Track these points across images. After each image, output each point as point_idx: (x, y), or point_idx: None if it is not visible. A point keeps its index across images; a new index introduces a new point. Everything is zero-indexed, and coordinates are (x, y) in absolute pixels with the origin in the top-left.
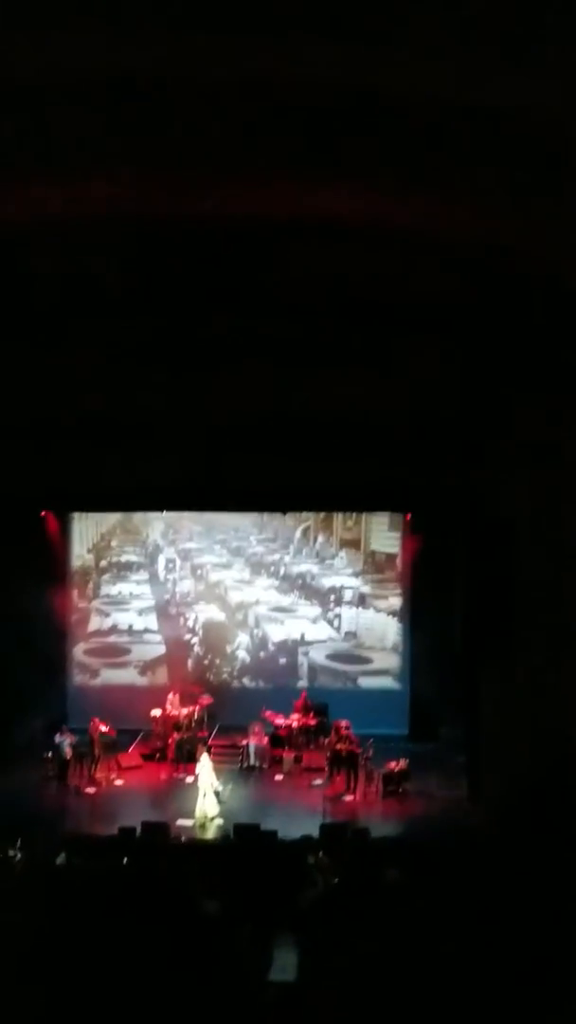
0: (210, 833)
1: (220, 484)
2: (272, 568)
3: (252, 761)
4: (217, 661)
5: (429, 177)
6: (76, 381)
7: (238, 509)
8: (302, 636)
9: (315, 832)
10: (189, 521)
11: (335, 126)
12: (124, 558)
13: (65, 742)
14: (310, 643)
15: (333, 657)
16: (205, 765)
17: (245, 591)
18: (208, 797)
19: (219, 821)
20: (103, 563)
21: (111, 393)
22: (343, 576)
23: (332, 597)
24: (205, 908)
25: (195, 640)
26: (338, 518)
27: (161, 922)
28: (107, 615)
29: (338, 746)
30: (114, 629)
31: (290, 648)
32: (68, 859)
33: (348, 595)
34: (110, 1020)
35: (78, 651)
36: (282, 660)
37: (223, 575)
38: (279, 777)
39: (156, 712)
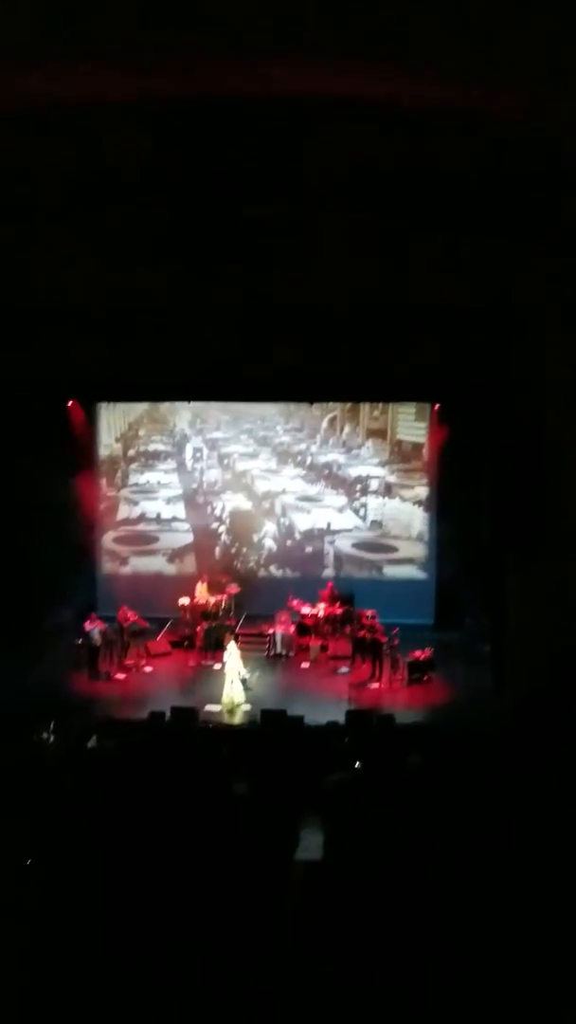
0: (238, 719)
1: (246, 374)
2: (299, 458)
3: (279, 649)
4: (244, 550)
5: (463, 58)
6: (103, 270)
7: (265, 399)
8: (328, 525)
9: (341, 718)
10: (216, 411)
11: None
12: (152, 447)
13: (95, 630)
14: (336, 532)
15: (359, 546)
16: (232, 653)
17: (272, 480)
18: (235, 684)
19: (246, 707)
20: (131, 452)
21: (138, 282)
22: (369, 466)
23: (358, 487)
24: (234, 789)
25: (222, 529)
26: (365, 408)
27: (191, 801)
28: (135, 504)
29: (363, 635)
30: (142, 518)
31: (316, 537)
32: (99, 742)
33: (374, 485)
34: (141, 894)
35: (107, 540)
36: (308, 549)
37: (250, 465)
38: (305, 665)
39: (184, 600)
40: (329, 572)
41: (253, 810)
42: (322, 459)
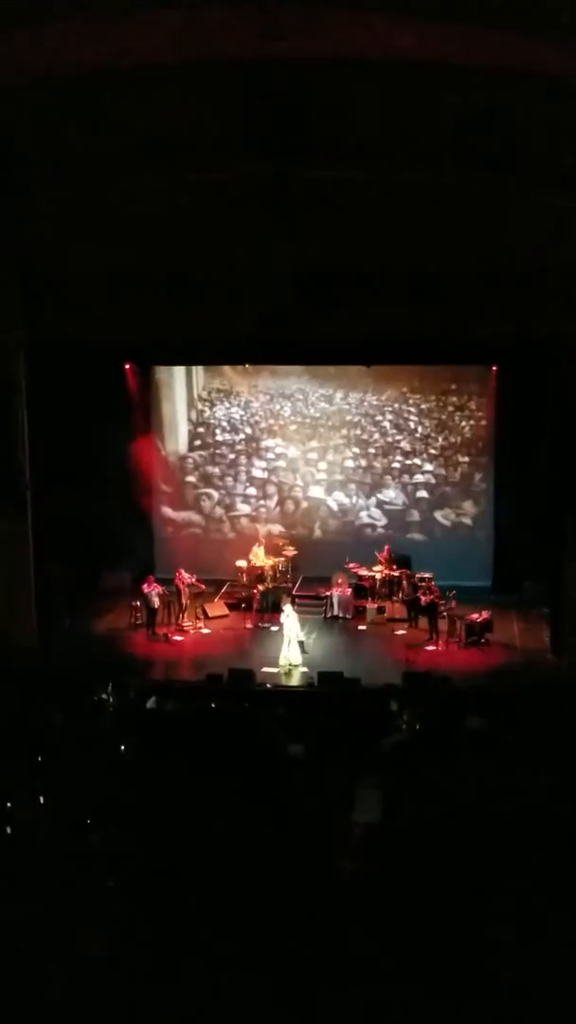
0: (295, 680)
1: (304, 336)
2: (356, 420)
3: (335, 611)
4: (301, 513)
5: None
6: (158, 231)
7: (323, 362)
8: (386, 488)
9: (398, 680)
10: (272, 374)
11: None
12: (211, 412)
13: (153, 592)
14: (392, 497)
15: (416, 509)
16: (290, 615)
17: (330, 443)
18: (292, 646)
19: (303, 669)
20: (192, 415)
21: (192, 243)
22: (427, 429)
23: (416, 451)
24: (290, 751)
25: (279, 494)
26: (424, 370)
27: (248, 762)
28: (195, 468)
29: (420, 597)
30: (203, 482)
31: (374, 500)
32: (158, 703)
33: (433, 449)
34: (198, 857)
35: (165, 503)
36: (364, 514)
37: (308, 428)
38: (362, 627)
39: (241, 563)
40: (386, 535)
41: (310, 771)
42: (380, 421)
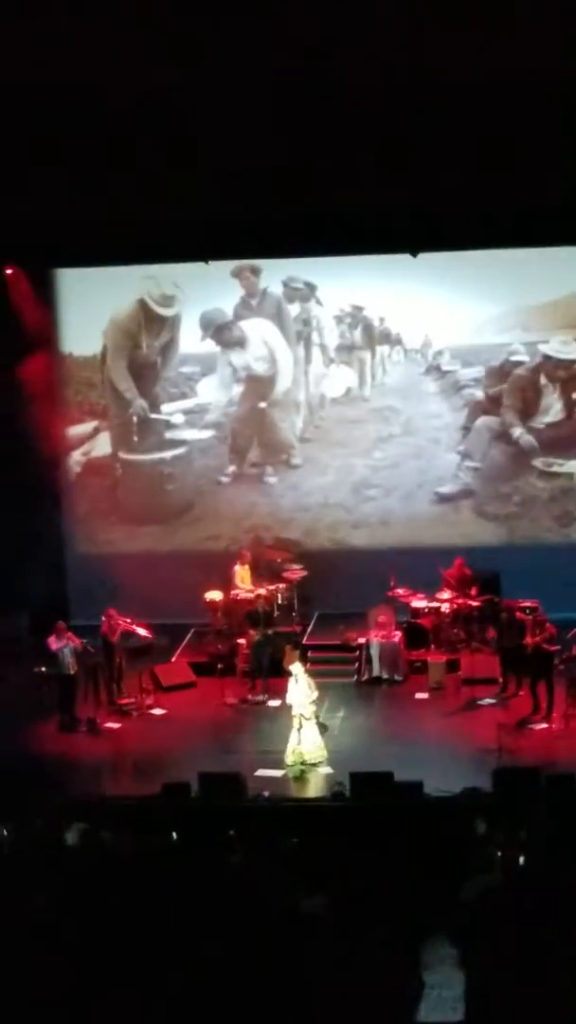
0: (311, 788)
1: (306, 213)
2: (397, 336)
3: (376, 670)
4: (313, 504)
5: None
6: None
7: (340, 251)
8: (456, 447)
9: (485, 783)
10: (255, 274)
11: None
12: (152, 342)
13: (66, 649)
14: (469, 466)
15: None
16: (299, 680)
17: (347, 375)
18: (305, 731)
19: (325, 769)
20: (117, 349)
21: (117, 69)
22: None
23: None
24: (306, 908)
25: (276, 472)
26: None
27: (236, 932)
28: (132, 432)
29: (520, 640)
30: (143, 452)
31: (433, 472)
32: (84, 836)
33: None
34: None
35: (79, 496)
36: (421, 495)
37: (313, 354)
38: (422, 695)
39: (215, 595)
40: (457, 538)
41: (339, 942)
42: (435, 341)
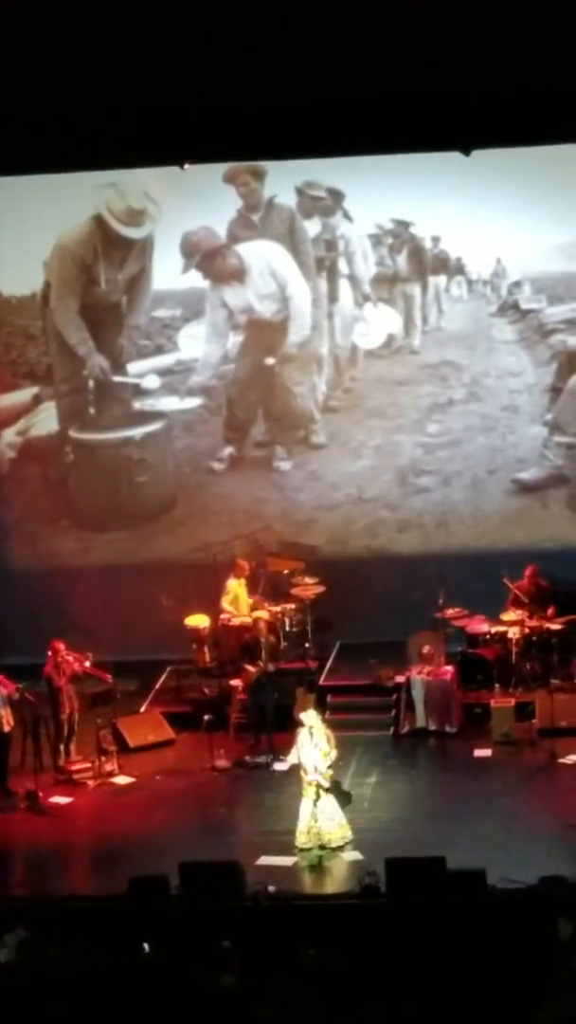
0: (332, 881)
1: (327, 93)
2: (458, 263)
3: (421, 719)
4: (337, 496)
5: None
6: None
7: (377, 147)
8: (542, 417)
9: (572, 871)
10: (257, 179)
11: None
12: (113, 275)
13: None
14: (560, 442)
15: None
16: (315, 733)
17: (388, 318)
18: (324, 803)
19: (351, 855)
20: (64, 286)
21: None
22: None
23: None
24: None
25: (285, 451)
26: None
27: None
28: (81, 394)
29: None
30: (98, 428)
31: (510, 452)
32: (23, 949)
33: None
34: None
35: (13, 492)
36: (494, 484)
37: (340, 290)
38: (484, 752)
39: (199, 620)
40: (543, 539)
41: None
42: (510, 283)
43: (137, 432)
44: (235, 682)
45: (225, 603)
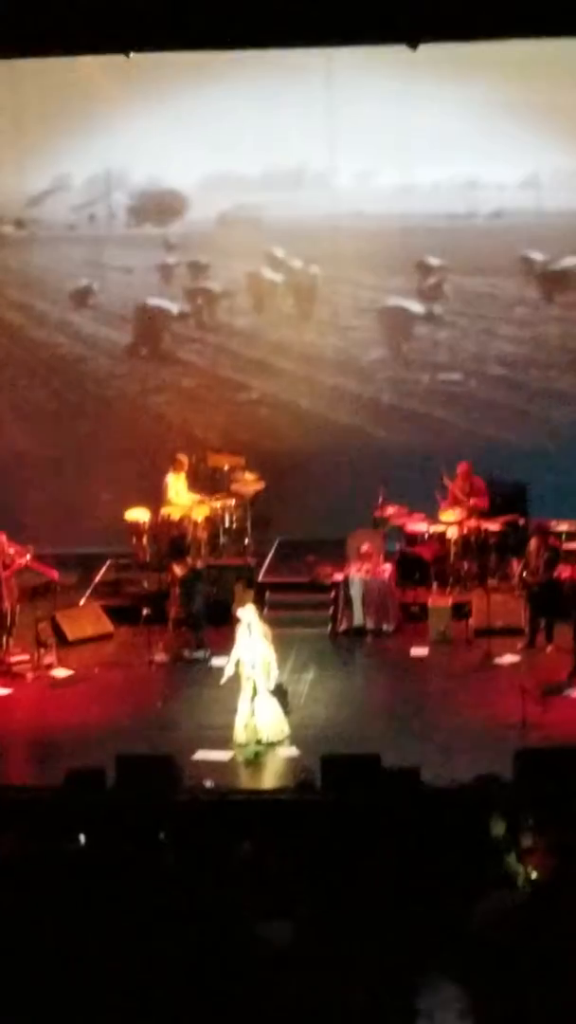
0: (269, 776)
1: None
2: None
3: (358, 617)
4: (275, 385)
5: None
6: None
7: (305, 40)
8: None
9: (504, 769)
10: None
11: None
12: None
13: None
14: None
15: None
16: (253, 629)
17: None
18: (261, 699)
19: (288, 751)
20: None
21: None
22: None
23: None
24: (265, 934)
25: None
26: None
27: (164, 972)
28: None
29: (553, 576)
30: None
31: (446, 337)
32: None
33: None
34: None
35: None
36: (431, 368)
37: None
38: (420, 650)
39: (138, 514)
40: (467, 424)
41: (308, 984)
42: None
43: None
44: (173, 574)
45: (168, 497)
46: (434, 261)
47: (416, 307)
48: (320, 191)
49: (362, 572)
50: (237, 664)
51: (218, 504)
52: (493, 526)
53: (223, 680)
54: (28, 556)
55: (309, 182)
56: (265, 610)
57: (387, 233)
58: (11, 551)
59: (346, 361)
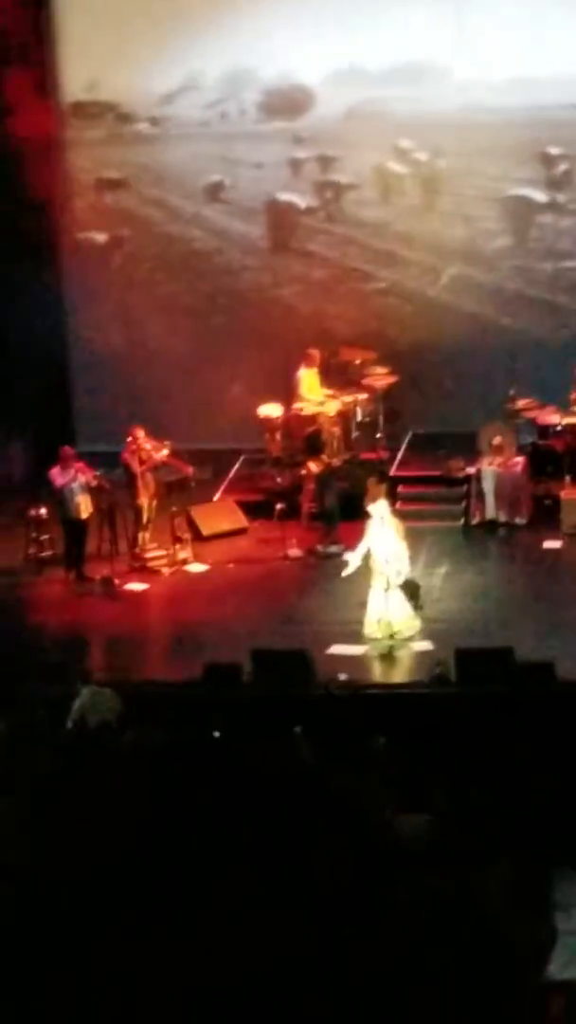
0: (403, 671)
1: None
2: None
3: (491, 511)
4: (411, 264)
5: None
6: None
7: None
8: None
9: None
10: None
11: None
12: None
13: (75, 485)
14: None
15: None
16: (385, 524)
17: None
18: (394, 594)
19: (421, 645)
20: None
21: None
22: None
23: None
24: (400, 829)
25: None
26: None
27: (301, 865)
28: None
29: None
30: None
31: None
32: (98, 726)
33: None
34: None
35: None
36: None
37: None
38: (554, 543)
39: (271, 410)
40: None
41: (446, 878)
42: None
43: None
44: (308, 470)
45: (300, 392)
46: (557, 151)
47: (539, 196)
48: (445, 84)
49: (495, 465)
50: (367, 558)
51: (350, 399)
52: None
53: (347, 571)
54: (165, 451)
55: (435, 75)
56: (397, 504)
57: (511, 125)
58: (148, 446)
59: (471, 251)
